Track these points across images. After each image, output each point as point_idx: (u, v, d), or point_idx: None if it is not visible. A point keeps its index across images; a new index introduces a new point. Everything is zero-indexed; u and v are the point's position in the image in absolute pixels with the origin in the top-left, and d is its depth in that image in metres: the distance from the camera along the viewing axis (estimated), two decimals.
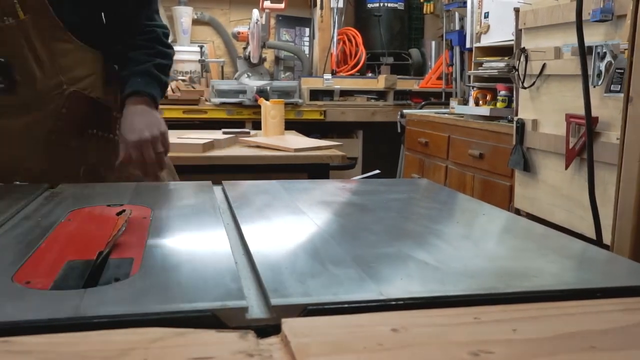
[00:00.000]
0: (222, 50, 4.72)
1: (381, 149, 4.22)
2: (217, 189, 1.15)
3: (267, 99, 2.86)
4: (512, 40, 2.67)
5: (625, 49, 1.71)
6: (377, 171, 2.87)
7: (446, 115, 3.43)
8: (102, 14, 1.40)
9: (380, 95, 4.27)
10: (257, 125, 3.18)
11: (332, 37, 4.52)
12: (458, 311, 0.56)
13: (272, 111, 2.64)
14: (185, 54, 4.34)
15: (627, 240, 1.10)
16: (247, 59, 4.09)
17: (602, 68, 1.88)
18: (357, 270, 0.65)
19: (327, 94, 4.18)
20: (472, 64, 3.19)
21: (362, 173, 3.53)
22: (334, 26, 4.51)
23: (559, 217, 2.20)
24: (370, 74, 4.59)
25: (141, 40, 1.43)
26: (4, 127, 1.31)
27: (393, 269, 0.68)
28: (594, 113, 1.82)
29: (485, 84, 3.07)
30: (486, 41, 3.09)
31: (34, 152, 1.33)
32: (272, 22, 4.64)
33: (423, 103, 4.15)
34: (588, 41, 1.78)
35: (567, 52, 2.13)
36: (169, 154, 1.43)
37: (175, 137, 2.39)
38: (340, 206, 1.05)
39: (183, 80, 4.08)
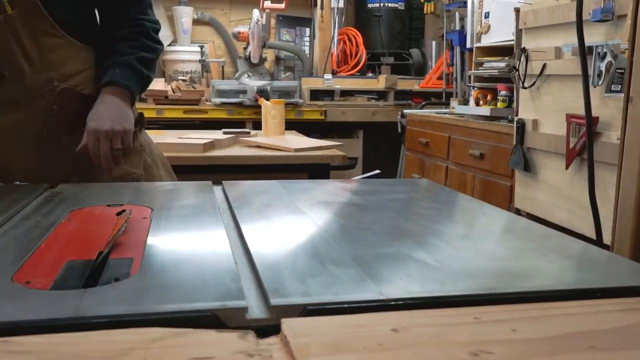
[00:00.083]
0: (223, 50, 4.73)
1: (381, 149, 4.22)
2: (217, 189, 1.15)
3: (267, 99, 2.86)
4: (512, 40, 2.67)
5: (625, 49, 1.71)
6: (378, 171, 2.88)
7: (446, 115, 3.43)
8: (96, 9, 1.39)
9: (381, 95, 4.27)
10: (257, 125, 3.18)
11: (333, 37, 4.52)
12: (458, 311, 0.56)
13: (272, 111, 2.64)
14: (186, 54, 4.34)
15: (627, 240, 1.10)
16: (247, 59, 4.09)
17: (603, 68, 1.88)
18: (357, 270, 0.65)
19: (328, 94, 4.18)
20: (473, 64, 3.19)
21: (363, 173, 3.53)
22: (335, 26, 4.51)
23: (559, 217, 2.20)
24: (370, 74, 4.59)
25: (128, 33, 1.40)
26: None
27: (393, 269, 0.68)
28: (594, 113, 1.82)
29: (486, 84, 3.07)
30: (486, 41, 3.09)
31: (25, 149, 1.32)
32: (273, 22, 4.64)
33: (423, 103, 4.15)
34: (588, 41, 1.78)
35: (567, 52, 2.13)
36: (167, 154, 1.42)
37: (175, 137, 2.39)
38: (341, 206, 1.05)
39: (183, 80, 4.08)
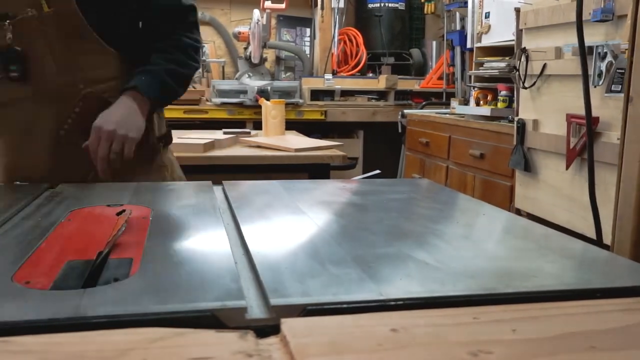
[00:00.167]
0: (223, 51, 4.72)
1: (382, 149, 4.22)
2: (218, 189, 1.15)
3: (267, 99, 2.86)
4: (512, 40, 2.66)
5: (625, 49, 1.71)
6: (378, 171, 2.88)
7: (447, 115, 3.43)
8: (140, 23, 1.37)
9: (381, 95, 4.27)
10: (257, 125, 3.18)
11: (333, 37, 4.52)
12: (458, 311, 0.56)
13: (272, 111, 2.64)
14: None
15: (627, 240, 1.10)
16: (247, 59, 4.09)
17: (603, 68, 1.88)
18: (357, 271, 0.65)
19: (328, 94, 4.18)
20: (473, 64, 3.19)
21: (363, 173, 3.53)
22: (335, 26, 4.51)
23: (559, 217, 2.20)
24: (371, 74, 4.59)
25: (164, 46, 1.39)
26: (13, 118, 1.29)
27: (393, 269, 0.68)
28: (594, 113, 1.82)
29: (486, 84, 3.07)
30: (487, 41, 3.08)
31: (40, 146, 1.31)
32: (273, 22, 4.64)
33: (424, 103, 4.15)
34: (589, 41, 1.78)
35: (567, 52, 2.12)
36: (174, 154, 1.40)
37: (176, 137, 2.38)
38: (341, 206, 1.05)
39: None
